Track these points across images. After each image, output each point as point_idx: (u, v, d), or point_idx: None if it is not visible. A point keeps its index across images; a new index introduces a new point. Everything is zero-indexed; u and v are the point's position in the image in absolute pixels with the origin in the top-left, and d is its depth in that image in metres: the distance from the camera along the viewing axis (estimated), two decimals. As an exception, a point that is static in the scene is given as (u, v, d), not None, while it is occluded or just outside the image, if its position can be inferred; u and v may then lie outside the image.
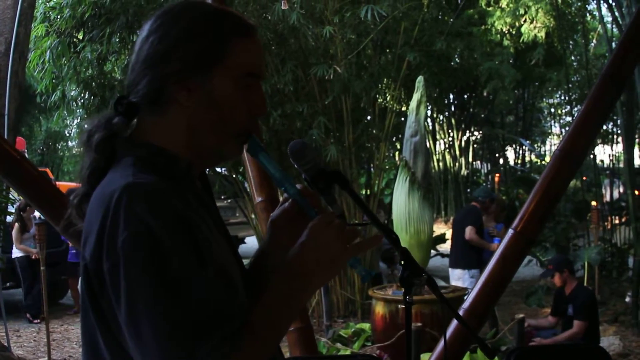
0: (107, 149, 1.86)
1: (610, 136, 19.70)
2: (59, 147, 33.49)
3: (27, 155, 26.89)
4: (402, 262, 2.04)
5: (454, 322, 4.68)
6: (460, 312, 4.69)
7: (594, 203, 13.43)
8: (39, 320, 11.84)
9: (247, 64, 1.87)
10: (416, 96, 8.90)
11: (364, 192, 14.38)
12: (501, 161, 29.79)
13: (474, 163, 28.44)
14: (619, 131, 17.75)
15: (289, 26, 10.44)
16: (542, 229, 4.97)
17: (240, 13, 2.03)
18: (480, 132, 27.85)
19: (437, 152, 26.03)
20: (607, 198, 16.49)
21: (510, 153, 30.84)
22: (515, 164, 29.86)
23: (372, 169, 13.18)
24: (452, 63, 13.19)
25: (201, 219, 1.76)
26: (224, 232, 1.95)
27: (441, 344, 4.95)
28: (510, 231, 4.67)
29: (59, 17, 11.19)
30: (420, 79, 8.99)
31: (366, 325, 9.45)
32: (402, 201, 8.81)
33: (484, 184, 26.20)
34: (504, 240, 4.73)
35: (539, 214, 4.66)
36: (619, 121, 14.48)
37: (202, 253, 1.68)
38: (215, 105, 1.85)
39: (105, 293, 1.66)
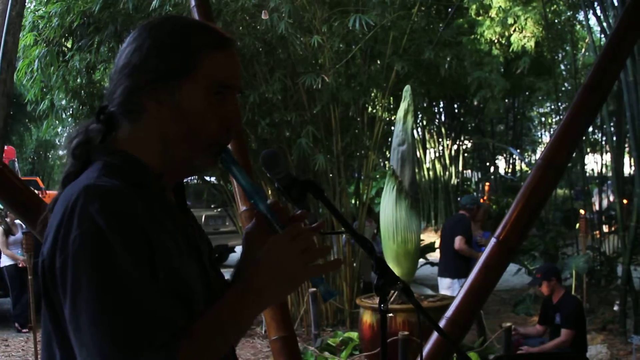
0: (83, 154, 1.91)
1: (599, 145, 19.74)
2: (50, 155, 33.51)
3: (17, 164, 26.90)
4: (377, 271, 2.06)
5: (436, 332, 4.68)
6: (443, 321, 4.69)
7: (582, 212, 13.46)
8: (27, 330, 11.81)
9: (218, 76, 1.90)
10: (403, 105, 8.90)
11: (353, 201, 14.39)
12: (492, 170, 29.86)
13: (465, 172, 28.50)
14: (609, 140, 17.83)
15: (278, 35, 10.45)
16: (524, 237, 4.97)
17: (218, 27, 2.03)
18: (471, 141, 27.92)
19: (427, 161, 26.08)
20: (597, 207, 16.52)
21: (501, 162, 30.96)
22: (506, 173, 29.96)
23: (361, 178, 13.15)
24: (441, 72, 13.16)
25: (161, 227, 1.79)
26: (194, 245, 1.95)
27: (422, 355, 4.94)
28: (493, 240, 4.68)
29: (47, 26, 11.19)
30: (407, 88, 9.00)
31: (354, 334, 9.44)
32: (389, 210, 8.80)
33: (474, 193, 26.27)
34: (487, 249, 4.74)
35: (521, 223, 4.66)
36: (608, 130, 14.55)
37: (153, 258, 1.71)
38: (184, 116, 1.88)
39: (57, 289, 1.70)
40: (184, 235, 1.91)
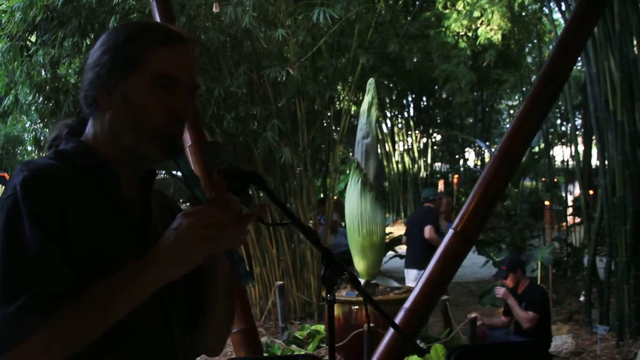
0: (52, 147, 2.12)
1: (568, 137, 19.89)
2: (18, 151, 33.23)
3: (-15, 161, 26.65)
4: (324, 262, 2.08)
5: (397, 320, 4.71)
6: (402, 312, 4.73)
7: (547, 203, 13.53)
8: None
9: (162, 69, 2.01)
10: (367, 98, 8.92)
11: (322, 195, 14.40)
12: (461, 162, 29.98)
13: (434, 165, 28.59)
14: (577, 132, 17.96)
15: (242, 29, 10.42)
16: (482, 228, 5.01)
17: (171, 26, 2.14)
18: (440, 134, 28.03)
19: (396, 155, 26.12)
20: (565, 198, 16.64)
21: (470, 154, 31.08)
22: (475, 165, 30.06)
23: (328, 172, 13.16)
24: (406, 65, 13.20)
25: (90, 206, 1.94)
26: (139, 229, 2.06)
27: (380, 347, 4.97)
28: (451, 231, 4.71)
29: (10, 20, 11.06)
30: (371, 81, 9.01)
31: (321, 327, 9.45)
32: (354, 203, 8.83)
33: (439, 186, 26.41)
34: (444, 240, 4.77)
35: (478, 214, 4.71)
36: (573, 122, 14.67)
37: (67, 230, 1.85)
38: (129, 107, 2.00)
39: None
40: (124, 219, 2.03)
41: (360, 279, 8.80)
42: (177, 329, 2.11)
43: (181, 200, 17.68)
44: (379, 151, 23.42)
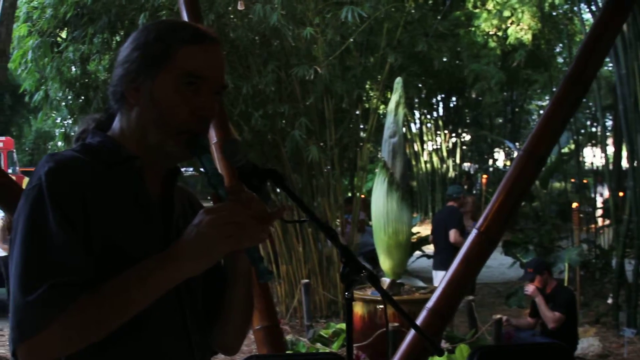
0: (78, 140, 2.15)
1: (598, 138, 19.73)
2: (49, 147, 33.51)
3: (16, 155, 26.91)
4: (343, 259, 2.08)
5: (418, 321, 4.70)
6: (425, 312, 4.72)
7: (575, 204, 13.43)
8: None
9: (189, 67, 2.04)
10: (394, 97, 8.91)
11: (350, 194, 14.38)
12: (490, 162, 29.84)
13: (462, 165, 28.47)
14: (607, 133, 17.82)
15: (270, 27, 10.43)
16: (505, 228, 4.98)
17: (200, 25, 2.18)
18: (468, 134, 27.91)
19: (425, 154, 26.06)
20: (596, 200, 16.49)
21: (500, 155, 30.91)
22: (504, 165, 29.89)
23: (356, 170, 13.15)
24: (435, 65, 13.16)
25: (110, 200, 1.97)
26: (159, 227, 2.09)
27: (402, 347, 4.96)
28: (474, 231, 4.69)
29: (41, 17, 11.17)
30: (398, 80, 9.00)
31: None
32: (380, 202, 8.82)
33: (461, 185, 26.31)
34: (468, 240, 4.75)
35: (502, 214, 4.69)
36: (602, 123, 14.55)
37: (88, 222, 1.89)
38: (155, 103, 2.03)
39: None
40: (146, 215, 2.06)
41: (385, 279, 8.85)
42: (194, 326, 2.13)
43: (208, 198, 17.75)
44: (408, 151, 23.44)
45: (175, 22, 2.21)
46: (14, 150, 27.48)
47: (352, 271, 2.06)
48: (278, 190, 10.31)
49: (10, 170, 24.50)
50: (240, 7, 9.85)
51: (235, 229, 1.86)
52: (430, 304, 4.74)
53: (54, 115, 14.19)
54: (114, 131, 2.12)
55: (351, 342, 2.26)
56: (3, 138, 25.02)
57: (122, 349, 1.94)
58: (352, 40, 11.35)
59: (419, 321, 4.79)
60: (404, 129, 9.27)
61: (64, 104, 12.37)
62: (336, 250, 11.65)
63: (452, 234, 10.38)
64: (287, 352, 7.61)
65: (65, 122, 14.21)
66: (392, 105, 8.96)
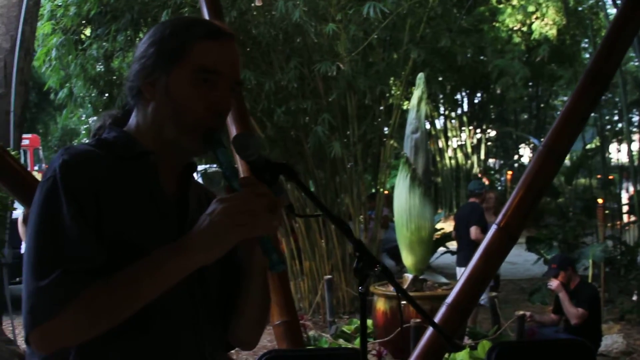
0: (95, 135, 2.17)
1: (624, 134, 19.58)
2: (75, 143, 33.69)
3: (42, 153, 27.03)
4: (357, 254, 2.08)
5: (437, 318, 4.71)
6: (444, 307, 4.72)
7: (600, 201, 13.36)
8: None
9: (204, 62, 2.06)
10: (417, 93, 8.92)
11: (373, 190, 14.37)
12: (515, 158, 29.72)
13: (487, 161, 28.37)
14: (633, 129, 17.72)
15: (293, 23, 10.44)
16: (525, 224, 4.96)
17: (217, 22, 2.21)
18: (493, 130, 27.80)
19: (449, 150, 25.98)
20: (622, 196, 16.40)
21: (525, 151, 30.76)
22: (530, 162, 29.75)
23: (379, 166, 13.12)
24: (458, 60, 13.11)
25: (123, 193, 2.00)
26: (173, 222, 2.10)
27: (421, 342, 4.95)
28: (494, 227, 4.68)
29: (65, 15, 11.24)
30: (420, 75, 9.00)
31: (369, 322, 9.45)
32: (403, 198, 8.82)
33: (499, 181, 26.21)
34: (487, 235, 4.74)
35: (522, 210, 4.67)
36: (627, 119, 14.47)
37: (99, 213, 1.92)
38: (171, 98, 2.06)
39: None
40: (160, 210, 2.07)
41: (408, 274, 8.85)
42: (205, 319, 2.14)
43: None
44: (432, 147, 23.37)
45: (191, 18, 2.22)
46: (40, 148, 27.66)
47: (366, 265, 2.07)
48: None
49: (36, 168, 24.67)
50: (257, 3, 9.86)
51: (248, 217, 1.88)
52: (449, 299, 4.74)
53: (78, 112, 14.27)
54: (130, 126, 2.14)
55: (365, 335, 2.27)
56: (29, 135, 25.13)
57: (131, 340, 1.95)
58: (374, 36, 11.33)
59: (438, 317, 4.79)
60: (427, 125, 9.24)
61: (88, 101, 12.43)
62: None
63: (473, 231, 10.33)
64: (308, 347, 7.64)
65: (90, 119, 14.28)
66: (414, 100, 8.96)
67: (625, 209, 15.74)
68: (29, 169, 19.43)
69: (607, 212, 13.17)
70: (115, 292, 1.86)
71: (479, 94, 26.34)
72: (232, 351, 2.47)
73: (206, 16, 5.39)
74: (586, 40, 21.65)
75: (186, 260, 1.90)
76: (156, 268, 1.89)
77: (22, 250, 11.83)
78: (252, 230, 1.91)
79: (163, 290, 1.90)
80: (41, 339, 1.86)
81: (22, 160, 21.22)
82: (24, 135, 14.26)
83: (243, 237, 1.91)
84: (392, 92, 12.81)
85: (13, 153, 6.96)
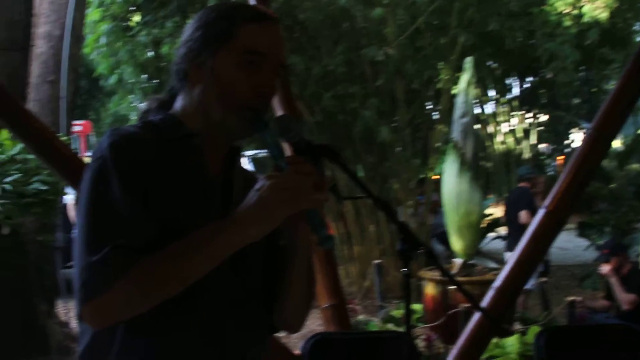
0: (141, 119, 2.21)
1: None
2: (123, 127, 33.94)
3: (94, 139, 27.27)
4: (401, 236, 2.08)
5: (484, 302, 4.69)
6: (492, 291, 4.69)
7: (653, 185, 13.17)
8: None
9: (250, 45, 2.10)
10: (465, 77, 8.84)
11: (422, 175, 14.32)
12: (566, 143, 29.38)
13: (538, 146, 28.09)
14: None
15: (340, 8, 10.42)
16: (573, 208, 4.91)
17: (261, 6, 2.41)
18: (544, 114, 27.48)
19: (499, 135, 25.77)
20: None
21: (577, 136, 30.42)
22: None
23: (429, 151, 13.07)
24: (508, 44, 12.99)
25: (168, 175, 2.03)
26: (217, 204, 2.12)
27: (469, 327, 4.92)
28: (542, 210, 4.64)
29: (113, 2, 11.33)
30: (468, 59, 8.93)
31: (419, 306, 9.42)
32: (451, 183, 8.77)
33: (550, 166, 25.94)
34: (535, 219, 4.70)
35: (570, 194, 4.62)
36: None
37: (146, 193, 1.96)
38: (217, 81, 2.09)
39: None
40: (205, 192, 2.10)
41: (457, 259, 8.81)
42: (248, 300, 2.16)
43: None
44: (482, 132, 23.19)
45: (237, 3, 2.26)
46: (93, 134, 27.88)
47: (410, 247, 2.07)
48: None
49: (89, 154, 24.86)
50: None
51: (294, 192, 1.91)
52: (496, 283, 4.71)
53: (129, 98, 14.39)
54: (176, 109, 2.17)
55: (409, 316, 2.27)
56: (81, 122, 25.33)
57: (178, 315, 1.98)
58: (422, 20, 11.26)
59: (485, 301, 4.77)
60: (477, 110, 9.16)
61: (137, 87, 12.53)
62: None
63: (523, 215, 10.25)
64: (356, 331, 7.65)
65: (140, 105, 14.38)
66: (462, 85, 8.89)
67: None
68: (81, 154, 19.61)
69: (660, 197, 12.97)
70: (166, 266, 1.91)
71: (529, 79, 26.03)
72: (283, 335, 2.47)
73: (252, 1, 5.40)
74: (638, 23, 21.34)
75: (235, 235, 1.93)
76: (206, 243, 1.92)
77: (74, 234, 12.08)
78: (298, 204, 1.94)
79: (212, 266, 1.93)
80: (93, 313, 1.91)
81: (74, 146, 21.49)
82: (77, 122, 14.43)
83: (290, 211, 1.94)
84: (441, 76, 12.73)
85: (64, 139, 7.04)
